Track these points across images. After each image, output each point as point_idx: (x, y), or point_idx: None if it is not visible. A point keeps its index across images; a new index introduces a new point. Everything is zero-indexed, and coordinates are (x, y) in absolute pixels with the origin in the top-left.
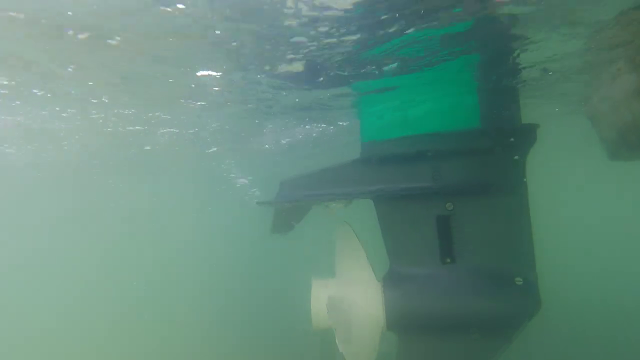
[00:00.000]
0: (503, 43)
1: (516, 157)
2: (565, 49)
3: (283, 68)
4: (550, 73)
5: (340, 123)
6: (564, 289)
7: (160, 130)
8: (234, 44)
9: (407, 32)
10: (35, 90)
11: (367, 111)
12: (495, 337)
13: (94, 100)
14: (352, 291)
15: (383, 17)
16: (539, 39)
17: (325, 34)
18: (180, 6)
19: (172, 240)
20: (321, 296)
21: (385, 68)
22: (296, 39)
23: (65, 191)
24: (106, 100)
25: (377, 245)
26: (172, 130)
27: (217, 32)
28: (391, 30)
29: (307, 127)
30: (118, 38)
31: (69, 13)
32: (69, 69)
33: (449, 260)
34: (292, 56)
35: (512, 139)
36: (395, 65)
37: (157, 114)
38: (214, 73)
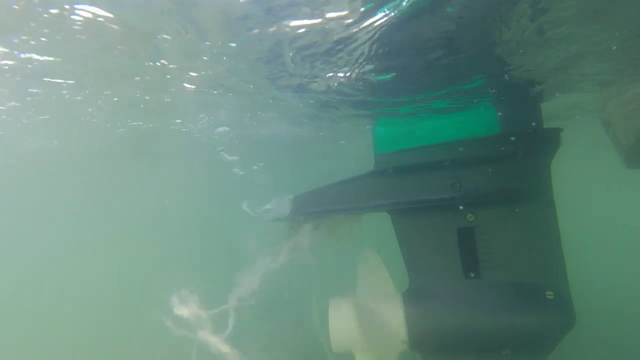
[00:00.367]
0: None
1: (540, 162)
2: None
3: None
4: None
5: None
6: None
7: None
8: None
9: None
10: None
11: (380, 122)
12: (525, 355)
13: None
14: (372, 310)
15: None
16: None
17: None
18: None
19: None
20: (340, 316)
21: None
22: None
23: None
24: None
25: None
26: None
27: None
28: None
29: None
30: None
31: None
32: None
33: (472, 274)
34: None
35: (534, 144)
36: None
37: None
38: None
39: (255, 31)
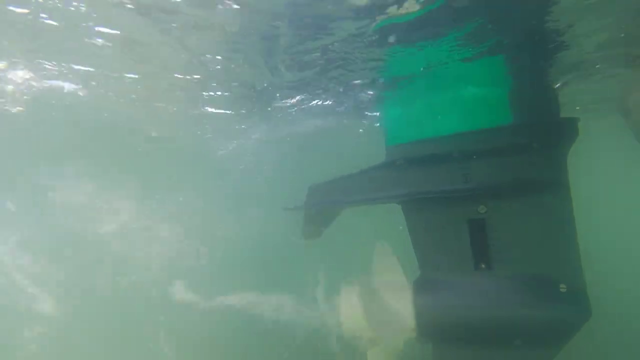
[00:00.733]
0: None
1: (555, 153)
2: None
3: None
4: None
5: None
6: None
7: None
8: None
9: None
10: None
11: (391, 114)
12: (537, 348)
13: None
14: (382, 298)
15: None
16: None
17: None
18: None
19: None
20: (351, 302)
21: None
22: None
23: None
24: None
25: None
26: None
27: None
28: None
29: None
30: None
31: None
32: None
33: (483, 266)
34: None
35: (550, 135)
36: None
37: None
38: None
39: None
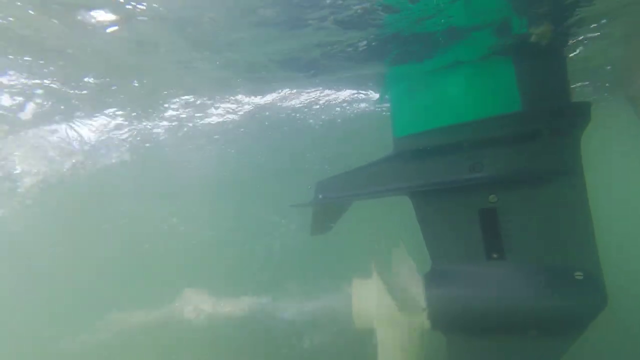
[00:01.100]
0: None
1: (567, 139)
2: None
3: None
4: None
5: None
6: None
7: None
8: None
9: None
10: None
11: (398, 105)
12: (553, 337)
13: None
14: (393, 289)
15: None
16: None
17: None
18: None
19: None
20: (362, 295)
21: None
22: None
23: None
24: None
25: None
26: None
27: None
28: None
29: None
30: None
31: None
32: None
33: (495, 255)
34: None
35: (561, 120)
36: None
37: None
38: None
39: None
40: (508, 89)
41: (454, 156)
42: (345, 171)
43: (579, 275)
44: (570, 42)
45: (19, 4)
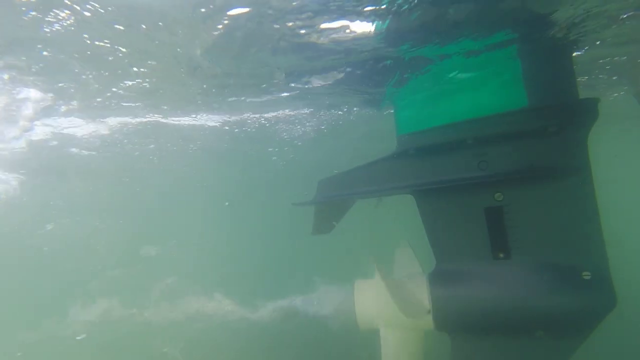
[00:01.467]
0: None
1: (574, 137)
2: None
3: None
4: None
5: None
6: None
7: None
8: None
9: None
10: None
11: (402, 103)
12: (560, 339)
13: None
14: (397, 290)
15: None
16: None
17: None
18: None
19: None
20: (365, 296)
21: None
22: None
23: None
24: None
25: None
26: None
27: None
28: None
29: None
30: None
31: None
32: None
33: (502, 255)
34: None
35: (567, 117)
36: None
37: None
38: None
39: None
40: (514, 85)
41: (459, 154)
42: (347, 170)
43: (586, 275)
44: (578, 37)
45: None
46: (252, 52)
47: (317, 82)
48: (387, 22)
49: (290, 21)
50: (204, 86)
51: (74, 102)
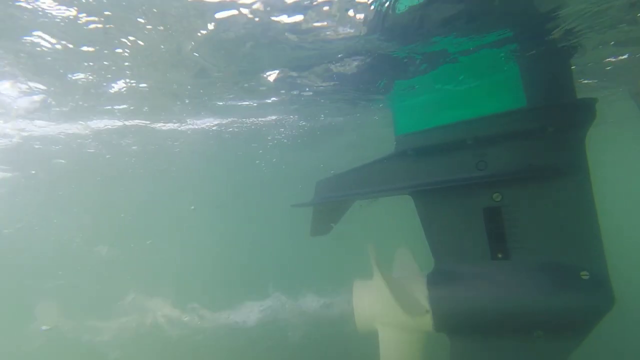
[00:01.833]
0: None
1: (572, 137)
2: None
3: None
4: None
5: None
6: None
7: None
8: None
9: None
10: None
11: (400, 104)
12: (558, 339)
13: None
14: (396, 291)
15: None
16: None
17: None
18: None
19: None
20: (363, 297)
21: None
22: None
23: None
24: None
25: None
26: None
27: None
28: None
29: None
30: None
31: None
32: None
33: (500, 255)
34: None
35: (565, 117)
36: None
37: None
38: None
39: None
40: (513, 85)
41: (457, 154)
42: (345, 170)
43: (585, 275)
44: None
45: None
46: (246, 48)
47: (309, 83)
48: (383, 21)
49: (281, 20)
50: (188, 87)
51: (54, 102)
